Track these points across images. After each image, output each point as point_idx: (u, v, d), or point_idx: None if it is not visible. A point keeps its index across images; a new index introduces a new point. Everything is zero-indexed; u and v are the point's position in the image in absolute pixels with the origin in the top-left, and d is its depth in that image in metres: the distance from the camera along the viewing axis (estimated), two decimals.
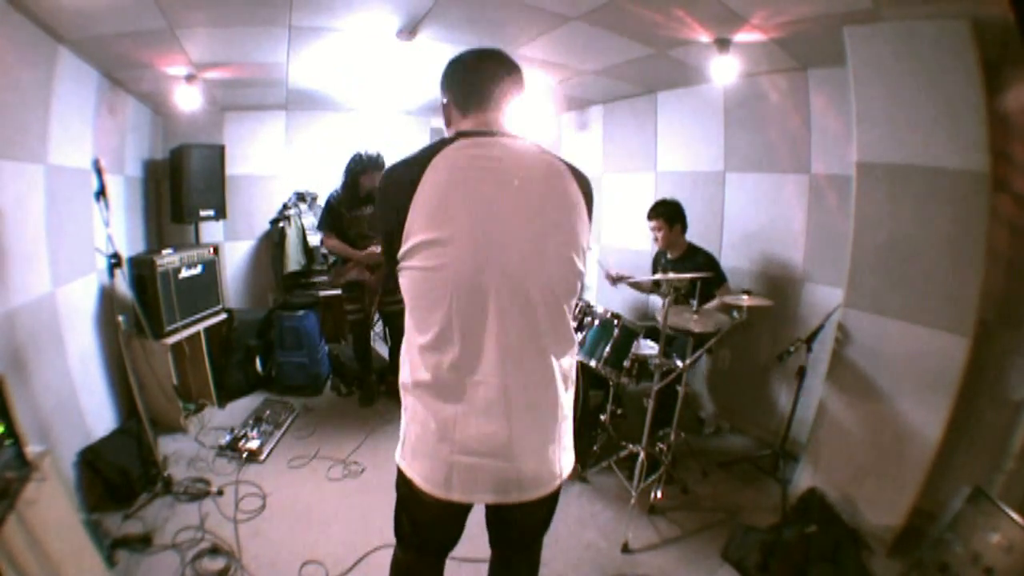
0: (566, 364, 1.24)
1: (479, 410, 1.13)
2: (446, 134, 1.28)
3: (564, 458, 1.26)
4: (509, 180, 1.14)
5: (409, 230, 1.10)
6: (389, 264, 1.19)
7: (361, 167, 3.39)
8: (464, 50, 1.32)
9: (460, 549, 1.47)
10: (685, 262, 3.05)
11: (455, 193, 1.11)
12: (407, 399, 1.23)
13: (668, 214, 3.06)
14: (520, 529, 1.42)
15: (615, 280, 3.35)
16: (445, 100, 1.31)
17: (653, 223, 3.10)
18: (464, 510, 1.30)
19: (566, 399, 1.25)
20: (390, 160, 3.49)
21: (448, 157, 1.13)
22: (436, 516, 1.29)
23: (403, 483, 1.27)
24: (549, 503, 1.32)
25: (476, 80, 1.25)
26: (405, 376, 1.22)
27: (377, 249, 3.56)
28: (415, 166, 1.13)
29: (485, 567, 1.58)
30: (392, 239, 1.14)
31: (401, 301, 1.21)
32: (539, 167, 1.19)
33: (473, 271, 1.10)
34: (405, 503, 1.35)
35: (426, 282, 1.12)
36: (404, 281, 1.16)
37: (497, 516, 1.41)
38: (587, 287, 4.98)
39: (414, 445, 1.21)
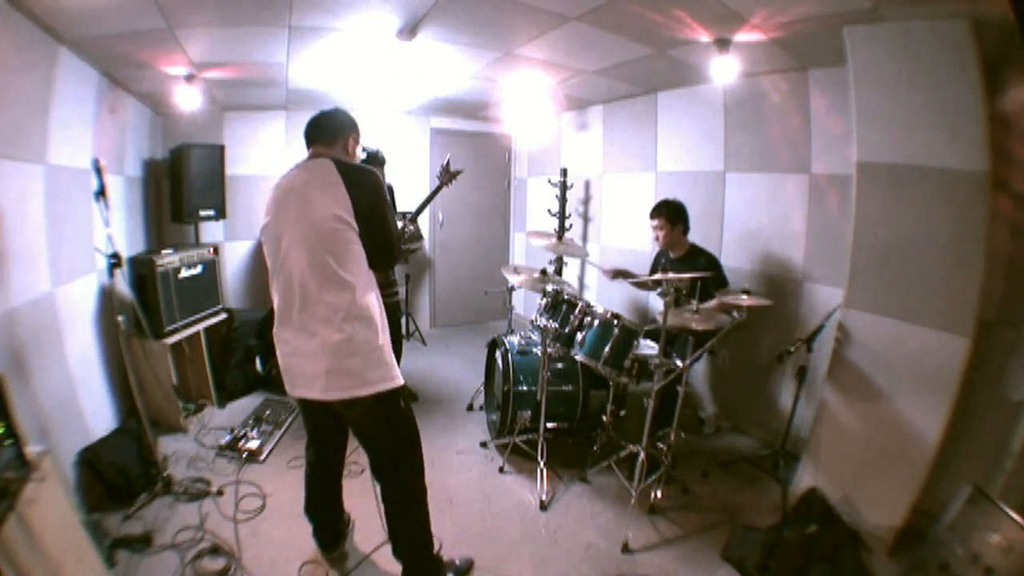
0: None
1: None
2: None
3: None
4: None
5: None
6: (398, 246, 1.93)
7: (365, 162, 3.39)
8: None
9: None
10: (686, 262, 3.04)
11: None
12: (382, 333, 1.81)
13: (670, 214, 3.06)
14: None
15: (613, 275, 3.34)
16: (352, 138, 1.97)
17: (655, 222, 3.10)
18: None
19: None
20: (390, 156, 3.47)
21: None
22: None
23: (401, 394, 1.85)
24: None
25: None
26: (376, 311, 1.81)
27: None
28: None
29: None
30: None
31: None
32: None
33: None
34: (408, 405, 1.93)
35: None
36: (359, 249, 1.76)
37: None
38: (587, 287, 4.99)
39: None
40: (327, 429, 2.02)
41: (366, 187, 1.77)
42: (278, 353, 1.86)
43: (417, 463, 1.96)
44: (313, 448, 2.09)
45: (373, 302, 1.79)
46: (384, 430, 1.86)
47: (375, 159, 3.46)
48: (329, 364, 1.70)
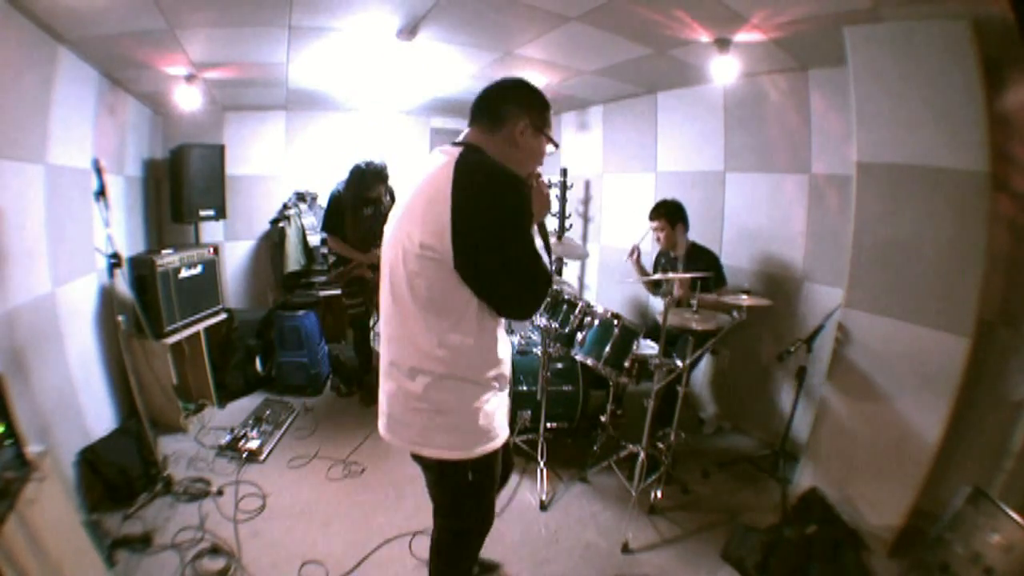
0: None
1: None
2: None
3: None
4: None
5: None
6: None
7: (367, 178, 3.39)
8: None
9: None
10: (687, 262, 3.05)
11: None
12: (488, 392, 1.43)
13: (669, 214, 3.07)
14: None
15: (632, 251, 3.26)
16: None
17: (655, 223, 3.10)
18: None
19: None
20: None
21: None
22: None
23: (488, 463, 1.46)
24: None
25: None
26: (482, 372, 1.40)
27: None
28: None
29: None
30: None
31: None
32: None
33: None
34: (492, 478, 1.55)
35: None
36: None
37: None
38: (587, 287, 4.99)
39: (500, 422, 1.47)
40: None
41: (481, 206, 1.23)
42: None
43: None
44: None
45: (479, 361, 1.39)
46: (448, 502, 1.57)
47: (374, 174, 3.39)
48: (392, 411, 1.45)
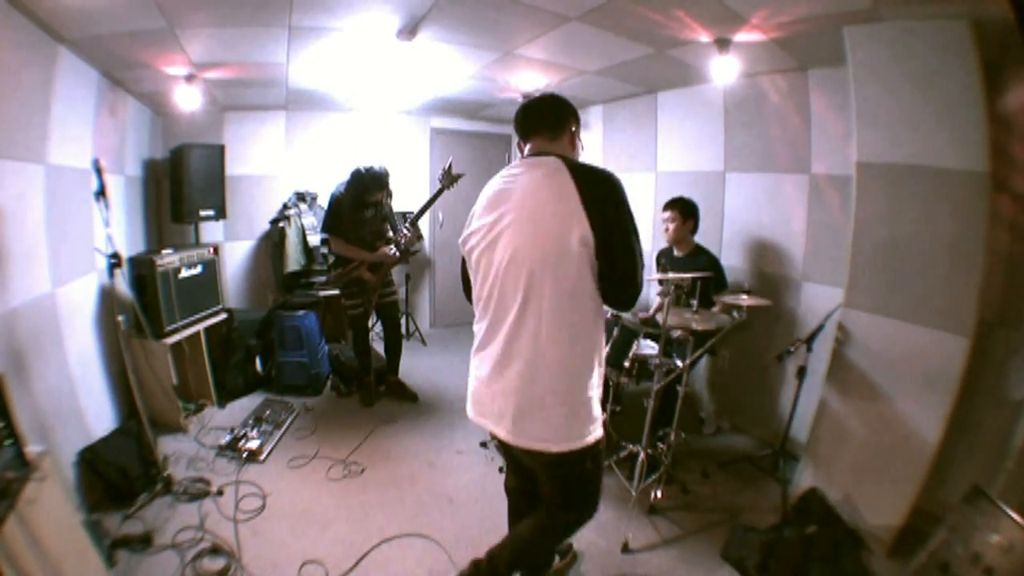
0: None
1: None
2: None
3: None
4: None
5: None
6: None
7: (367, 184, 3.39)
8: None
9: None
10: (688, 261, 3.06)
11: None
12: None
13: (684, 208, 3.11)
14: None
15: None
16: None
17: (668, 214, 3.13)
18: None
19: None
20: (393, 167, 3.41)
21: None
22: None
23: (600, 448, 1.55)
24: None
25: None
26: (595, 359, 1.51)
27: (390, 250, 3.57)
28: None
29: None
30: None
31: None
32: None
33: None
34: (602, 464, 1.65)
35: None
36: None
37: None
38: None
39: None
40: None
41: (609, 199, 1.41)
42: (470, 372, 1.63)
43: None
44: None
45: (594, 345, 1.50)
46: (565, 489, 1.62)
47: (374, 180, 3.40)
48: (521, 412, 1.46)
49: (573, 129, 1.58)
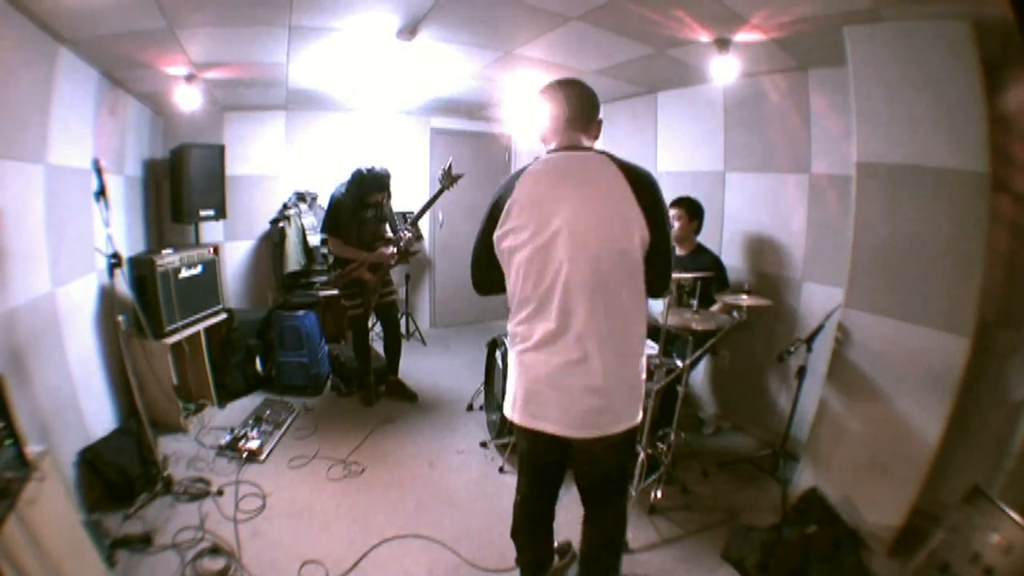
0: None
1: None
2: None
3: None
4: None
5: None
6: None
7: (368, 184, 3.39)
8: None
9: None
10: (690, 260, 3.07)
11: None
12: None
13: (691, 207, 3.12)
14: None
15: None
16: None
17: (675, 211, 3.14)
18: None
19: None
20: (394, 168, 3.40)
21: None
22: None
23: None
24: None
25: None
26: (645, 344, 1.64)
27: (388, 250, 3.56)
28: None
29: None
30: None
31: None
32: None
33: None
34: None
35: None
36: None
37: None
38: None
39: None
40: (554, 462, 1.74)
41: (660, 202, 1.48)
42: (519, 375, 1.59)
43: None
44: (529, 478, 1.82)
45: (645, 329, 1.60)
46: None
47: (375, 181, 3.39)
48: (601, 402, 1.49)
49: (599, 125, 1.59)
